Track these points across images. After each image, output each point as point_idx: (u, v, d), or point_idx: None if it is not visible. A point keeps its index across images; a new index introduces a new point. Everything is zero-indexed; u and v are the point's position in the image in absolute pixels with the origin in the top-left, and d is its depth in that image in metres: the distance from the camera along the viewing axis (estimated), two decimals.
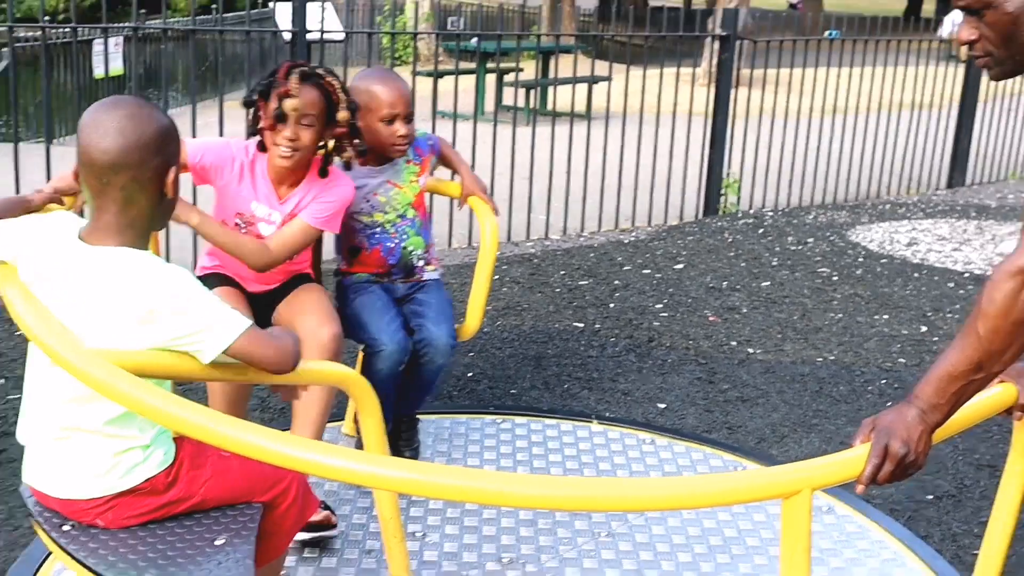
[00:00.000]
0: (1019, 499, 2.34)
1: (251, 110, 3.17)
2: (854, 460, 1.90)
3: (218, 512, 2.25)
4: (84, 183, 2.10)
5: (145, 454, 2.17)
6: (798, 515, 1.78)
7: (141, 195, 2.09)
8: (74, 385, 2.02)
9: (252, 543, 2.16)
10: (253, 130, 3.19)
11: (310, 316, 3.23)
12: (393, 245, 3.58)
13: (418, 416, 3.76)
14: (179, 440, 2.22)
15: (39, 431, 2.19)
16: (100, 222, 2.10)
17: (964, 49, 2.08)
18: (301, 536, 2.99)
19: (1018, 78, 9.70)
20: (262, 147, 3.21)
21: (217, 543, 2.14)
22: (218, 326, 2.07)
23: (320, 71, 3.16)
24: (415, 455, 3.72)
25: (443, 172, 3.97)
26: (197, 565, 2.07)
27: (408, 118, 3.46)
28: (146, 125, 2.07)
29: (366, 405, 2.38)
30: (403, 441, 3.70)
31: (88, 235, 2.12)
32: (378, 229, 3.56)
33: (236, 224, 3.23)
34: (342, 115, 3.17)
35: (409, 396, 3.61)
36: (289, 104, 3.06)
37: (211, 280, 3.31)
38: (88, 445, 2.14)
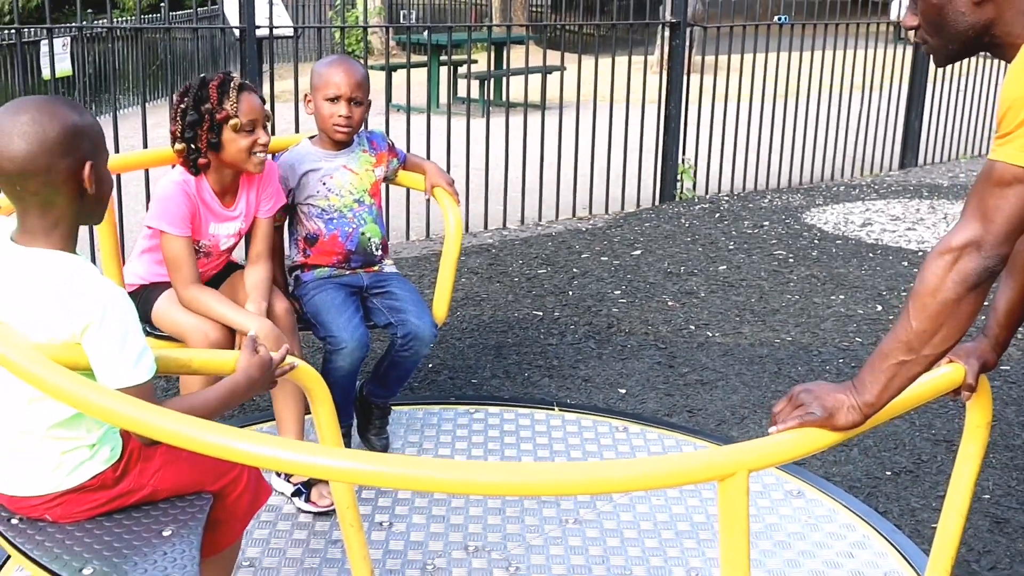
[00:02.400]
0: (974, 477, 2.37)
1: (193, 135, 3.19)
2: (790, 442, 1.89)
3: (167, 503, 2.25)
4: (2, 189, 2.06)
5: (92, 452, 2.16)
6: (735, 497, 1.76)
7: (59, 197, 2.04)
8: (21, 387, 2.01)
9: (199, 533, 2.16)
10: (197, 155, 3.21)
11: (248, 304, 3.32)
12: (351, 230, 3.59)
13: (391, 406, 3.76)
14: (126, 433, 2.20)
15: None
16: (26, 225, 2.07)
17: (911, 33, 2.09)
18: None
19: (967, 61, 9.82)
20: (193, 171, 3.25)
21: (164, 534, 2.15)
22: (123, 365, 2.03)
23: (238, 79, 3.27)
24: (385, 445, 3.72)
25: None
26: (143, 556, 2.07)
27: (354, 101, 3.50)
28: (49, 127, 2.00)
29: (317, 395, 2.38)
30: (374, 431, 3.71)
31: (19, 237, 2.09)
32: (335, 214, 3.58)
33: (196, 249, 3.29)
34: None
35: (388, 385, 3.63)
36: (247, 115, 3.20)
37: (153, 293, 3.37)
38: (35, 446, 2.13)
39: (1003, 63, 2.03)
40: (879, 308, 5.45)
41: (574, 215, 7.40)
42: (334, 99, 3.49)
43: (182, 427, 1.75)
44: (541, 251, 6.41)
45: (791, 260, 6.30)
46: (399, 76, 12.11)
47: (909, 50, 9.50)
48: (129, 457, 2.21)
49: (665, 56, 7.90)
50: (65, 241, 2.09)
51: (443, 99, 12.36)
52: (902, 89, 9.44)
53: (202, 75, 3.27)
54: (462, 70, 12.85)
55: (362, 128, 3.73)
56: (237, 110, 3.17)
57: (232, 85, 3.19)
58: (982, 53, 2.04)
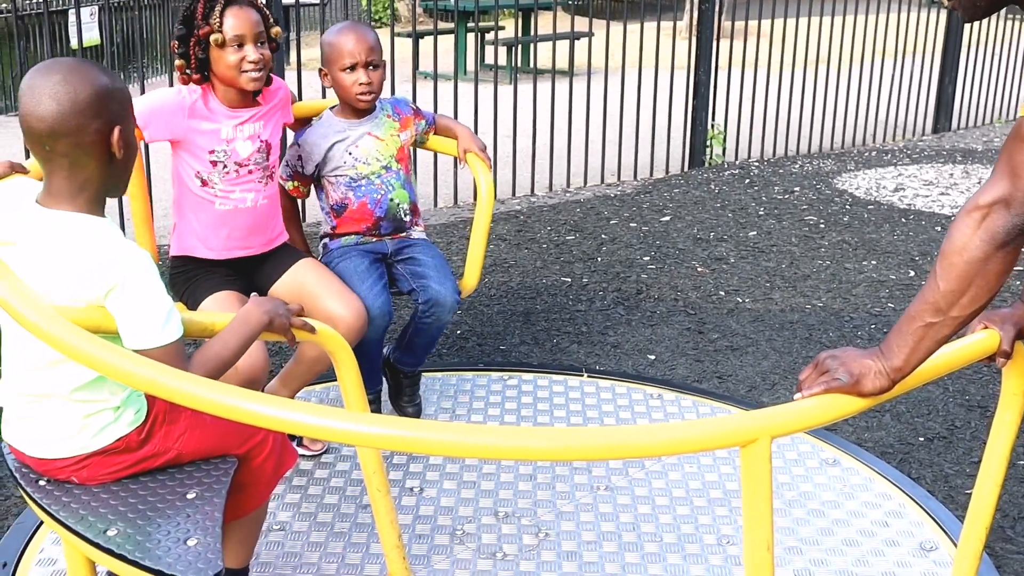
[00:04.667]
0: (1010, 445, 2.34)
1: (185, 51, 3.16)
2: (815, 408, 1.84)
3: (192, 466, 2.25)
4: (30, 149, 2.06)
5: (116, 415, 2.16)
6: (757, 464, 1.72)
7: (88, 159, 2.04)
8: (44, 350, 2.01)
9: (223, 496, 2.16)
10: (199, 70, 3.18)
11: (327, 300, 3.25)
12: (380, 196, 3.55)
13: (421, 372, 3.76)
14: (152, 396, 2.21)
15: (16, 392, 2.18)
16: (52, 187, 2.07)
17: None
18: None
19: (1001, 25, 9.64)
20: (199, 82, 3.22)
21: (189, 496, 2.15)
22: (151, 326, 2.03)
23: None
24: (418, 411, 3.73)
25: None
26: (166, 518, 2.07)
27: (371, 65, 3.45)
28: (80, 88, 2.00)
29: (343, 362, 2.37)
30: (406, 398, 3.71)
31: (44, 200, 2.08)
32: (363, 182, 3.54)
33: (213, 162, 3.21)
34: (275, 31, 3.24)
35: (415, 352, 3.62)
36: (232, 31, 3.12)
37: (190, 269, 3.30)
38: (58, 409, 2.13)
39: None
40: (912, 273, 5.39)
41: (602, 181, 7.36)
42: (351, 67, 3.44)
43: (204, 391, 1.73)
44: (569, 217, 6.37)
45: (822, 226, 6.24)
46: (426, 43, 12.06)
47: (943, 14, 9.36)
48: (154, 420, 2.21)
49: (694, 21, 7.82)
50: (91, 205, 2.08)
51: (470, 66, 12.31)
52: (935, 53, 9.31)
53: None
54: (489, 36, 12.77)
55: (383, 95, 3.70)
56: (220, 25, 3.10)
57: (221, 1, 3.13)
58: (1014, 14, 1.99)
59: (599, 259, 5.57)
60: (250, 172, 3.26)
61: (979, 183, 7.41)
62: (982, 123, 9.86)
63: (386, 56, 6.61)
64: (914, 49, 9.15)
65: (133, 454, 2.19)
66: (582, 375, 4.10)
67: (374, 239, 3.59)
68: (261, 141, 3.27)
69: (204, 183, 3.23)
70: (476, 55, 7.07)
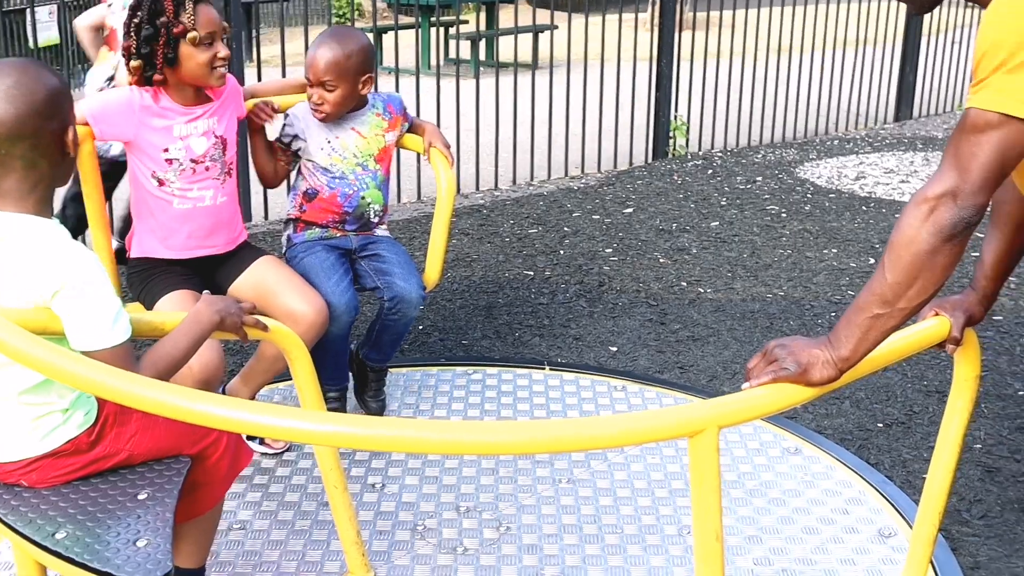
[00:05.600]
0: (962, 431, 2.36)
1: (149, 51, 3.07)
2: (762, 398, 1.84)
3: (144, 467, 2.23)
4: None
5: (65, 417, 2.14)
6: (705, 453, 1.71)
7: (42, 160, 2.04)
8: None
9: (175, 496, 2.15)
10: (153, 72, 3.10)
11: (288, 297, 3.23)
12: (351, 192, 3.53)
13: (388, 368, 3.75)
14: (101, 398, 2.19)
15: None
16: (2, 188, 2.04)
17: None
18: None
19: (961, 13, 9.64)
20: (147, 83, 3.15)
21: (140, 497, 2.14)
22: (99, 328, 2.01)
23: None
24: (381, 407, 3.72)
25: None
26: (116, 519, 2.06)
27: (325, 86, 3.40)
28: (36, 90, 1.99)
29: (297, 359, 2.37)
30: (371, 393, 3.71)
31: None
32: (337, 173, 3.52)
33: (168, 160, 3.16)
34: (225, 26, 3.19)
35: (382, 349, 3.61)
36: (205, 28, 3.07)
37: (147, 269, 3.27)
38: (5, 412, 2.11)
39: None
40: (872, 261, 5.43)
41: (566, 174, 7.37)
42: (309, 83, 3.42)
43: (152, 392, 1.71)
44: (532, 211, 6.38)
45: (784, 215, 6.28)
46: (388, 38, 12.03)
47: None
48: (104, 422, 2.19)
49: (656, 13, 7.84)
50: (40, 206, 2.07)
51: (433, 61, 12.29)
52: (896, 42, 9.37)
53: None
54: (452, 31, 12.75)
55: (378, 92, 3.67)
56: (195, 23, 3.04)
57: None
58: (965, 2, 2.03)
59: (562, 252, 5.58)
60: (207, 169, 3.23)
61: None
62: (943, 111, 9.93)
63: None
64: (875, 38, 9.21)
65: (83, 456, 2.17)
66: (544, 368, 4.11)
67: (338, 234, 3.58)
68: (216, 137, 3.25)
69: (161, 183, 3.20)
70: (439, 49, 7.06)
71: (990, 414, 3.75)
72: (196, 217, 3.26)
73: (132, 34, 3.09)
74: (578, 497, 3.24)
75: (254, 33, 6.52)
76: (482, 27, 12.67)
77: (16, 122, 1.97)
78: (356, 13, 7.79)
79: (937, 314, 2.22)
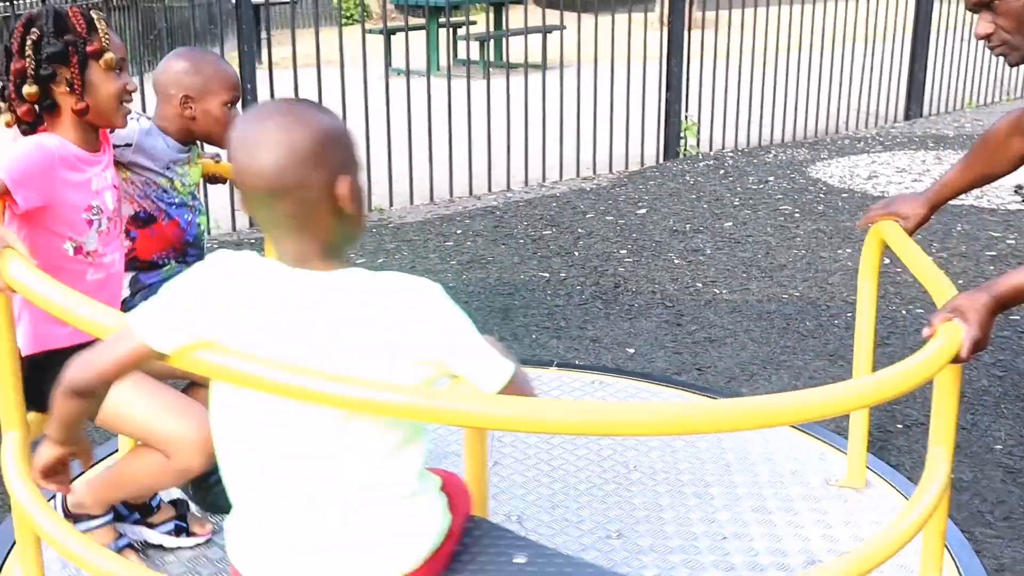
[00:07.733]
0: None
1: (51, 73, 2.44)
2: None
3: None
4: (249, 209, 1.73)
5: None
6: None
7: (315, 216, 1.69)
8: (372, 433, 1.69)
9: None
10: (50, 106, 2.48)
11: (164, 422, 2.46)
12: (191, 218, 3.06)
13: None
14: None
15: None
16: (293, 247, 1.69)
17: (986, 42, 2.29)
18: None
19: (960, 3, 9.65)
20: (27, 129, 2.50)
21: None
22: (494, 358, 1.72)
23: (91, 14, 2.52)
24: None
25: None
26: None
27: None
28: (298, 135, 1.64)
29: None
30: None
31: (296, 262, 1.69)
32: (176, 199, 3.03)
33: (88, 220, 2.51)
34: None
35: None
36: (118, 52, 2.51)
37: (54, 365, 2.08)
38: (384, 509, 1.78)
39: None
40: (886, 260, 5.41)
41: (578, 175, 7.37)
42: (232, 102, 3.00)
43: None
44: (546, 212, 6.38)
45: (797, 215, 6.27)
46: (398, 39, 12.04)
47: (912, 1, 9.41)
48: None
49: (666, 12, 7.83)
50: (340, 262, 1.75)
51: (443, 62, 12.29)
52: (905, 40, 9.35)
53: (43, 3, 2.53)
54: (461, 32, 12.75)
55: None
56: (109, 43, 2.46)
57: (95, 15, 2.47)
58: None
59: (576, 253, 5.58)
60: (115, 226, 2.64)
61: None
62: (953, 109, 9.92)
63: (357, 53, 6.60)
64: (884, 36, 9.20)
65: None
66: (550, 367, 4.07)
67: (181, 266, 3.04)
68: (115, 187, 2.65)
69: (78, 250, 2.51)
70: (448, 50, 7.06)
71: (1010, 415, 3.75)
72: (109, 286, 2.62)
73: (30, 53, 2.41)
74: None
75: (264, 35, 6.52)
76: (491, 28, 12.67)
77: (276, 172, 1.62)
78: (363, 13, 7.79)
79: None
